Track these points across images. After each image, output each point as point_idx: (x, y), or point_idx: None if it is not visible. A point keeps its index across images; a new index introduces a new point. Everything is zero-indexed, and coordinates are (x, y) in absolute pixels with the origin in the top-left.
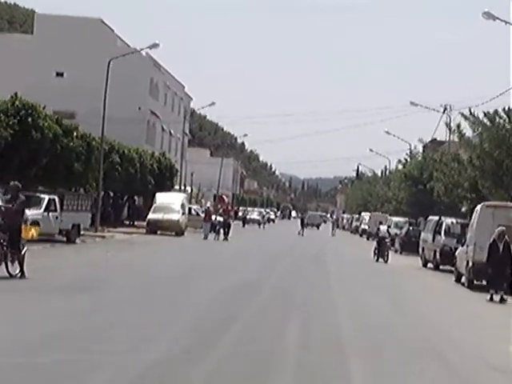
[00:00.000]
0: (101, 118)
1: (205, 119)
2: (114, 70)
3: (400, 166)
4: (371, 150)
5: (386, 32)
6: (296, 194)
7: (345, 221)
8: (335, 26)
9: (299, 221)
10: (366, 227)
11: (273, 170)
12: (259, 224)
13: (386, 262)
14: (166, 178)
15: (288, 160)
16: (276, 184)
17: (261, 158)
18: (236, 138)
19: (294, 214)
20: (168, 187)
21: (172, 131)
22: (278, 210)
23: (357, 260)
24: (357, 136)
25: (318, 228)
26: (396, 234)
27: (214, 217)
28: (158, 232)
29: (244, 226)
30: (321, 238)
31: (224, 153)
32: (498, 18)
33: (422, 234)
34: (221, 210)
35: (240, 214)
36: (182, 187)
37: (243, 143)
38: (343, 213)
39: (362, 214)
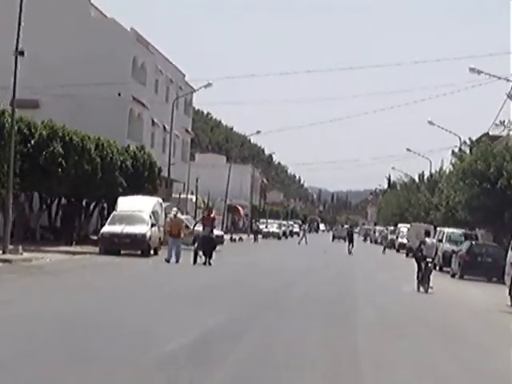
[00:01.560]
0: (69, 104)
1: (231, 131)
2: (86, 45)
3: (450, 164)
4: (408, 150)
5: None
6: (325, 206)
7: (377, 234)
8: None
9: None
10: (405, 241)
11: (301, 182)
12: (279, 238)
13: (426, 291)
14: (143, 180)
15: (316, 172)
16: (304, 197)
17: (289, 171)
18: (263, 151)
19: (322, 227)
20: (147, 191)
21: (167, 126)
22: (304, 222)
23: (394, 294)
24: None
25: (345, 241)
26: (453, 252)
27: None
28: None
29: (255, 240)
30: (347, 256)
31: (247, 161)
32: None
33: (510, 255)
34: (200, 219)
35: (261, 226)
36: (184, 195)
37: (271, 156)
38: (375, 225)
39: (399, 225)
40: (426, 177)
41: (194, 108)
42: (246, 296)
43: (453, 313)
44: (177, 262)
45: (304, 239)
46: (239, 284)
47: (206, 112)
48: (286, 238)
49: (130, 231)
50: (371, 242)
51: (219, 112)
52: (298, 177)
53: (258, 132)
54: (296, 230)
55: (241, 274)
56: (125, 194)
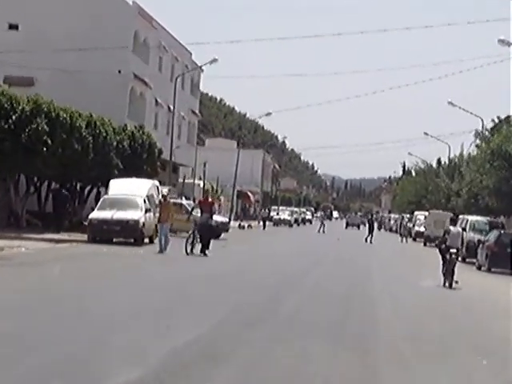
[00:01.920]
0: (67, 82)
1: (244, 118)
2: (84, 19)
3: (475, 147)
4: (426, 134)
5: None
6: (339, 193)
7: (392, 221)
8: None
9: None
10: (422, 229)
11: (314, 169)
12: (290, 225)
13: (450, 286)
14: (141, 162)
15: (329, 159)
16: (317, 184)
17: (302, 158)
18: (277, 137)
19: (336, 214)
20: (146, 174)
21: (171, 107)
22: (316, 210)
23: (417, 291)
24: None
25: (358, 228)
26: (479, 242)
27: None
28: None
29: (264, 228)
30: (363, 244)
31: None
32: None
33: None
34: (196, 202)
35: (272, 213)
36: (192, 180)
37: (284, 142)
38: (389, 212)
39: (416, 213)
40: (442, 162)
41: (206, 94)
42: (234, 303)
43: (491, 321)
44: (161, 251)
45: (322, 228)
46: (235, 280)
47: (218, 98)
48: (298, 225)
49: (121, 217)
50: (385, 229)
51: (233, 99)
52: (311, 164)
53: (269, 114)
54: (308, 217)
55: (243, 264)
56: (121, 176)
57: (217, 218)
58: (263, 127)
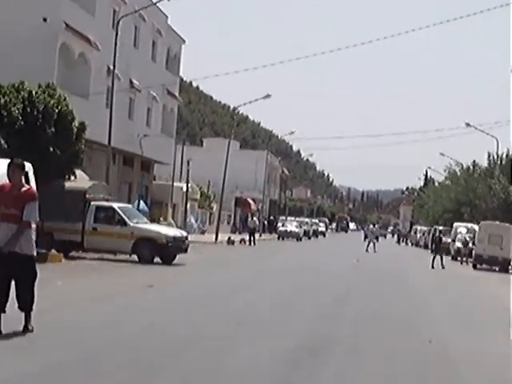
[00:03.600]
0: None
1: (259, 126)
2: None
3: None
4: (442, 155)
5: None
6: (355, 204)
7: (418, 235)
8: None
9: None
10: (471, 246)
11: (330, 180)
12: (298, 238)
13: None
14: (44, 138)
15: (347, 170)
16: (333, 194)
17: (317, 168)
18: (291, 146)
19: (352, 226)
20: (56, 159)
21: (135, 82)
22: (331, 221)
23: None
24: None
25: (377, 240)
26: None
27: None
28: None
29: (251, 243)
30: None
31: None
32: None
33: None
34: None
35: (278, 224)
36: (172, 182)
37: (299, 151)
38: (411, 224)
39: (456, 224)
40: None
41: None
42: None
43: None
44: None
45: (372, 245)
46: None
47: (231, 107)
48: (310, 238)
49: None
50: (406, 243)
51: (246, 107)
52: (326, 174)
53: (292, 133)
54: (322, 229)
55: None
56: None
57: (166, 230)
58: (278, 136)
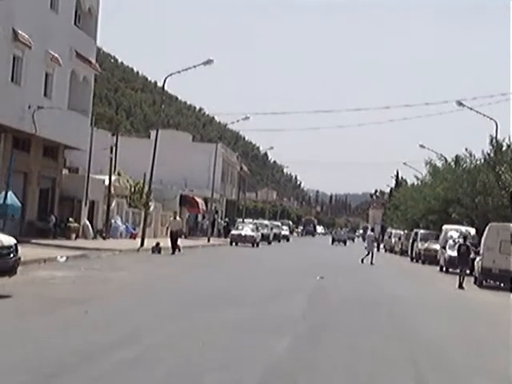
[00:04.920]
0: None
1: (225, 128)
2: None
3: None
4: (422, 146)
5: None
6: (323, 208)
7: (393, 239)
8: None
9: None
10: (454, 254)
11: (298, 183)
12: (255, 244)
13: None
14: None
15: (313, 173)
16: (300, 197)
17: (285, 171)
18: (258, 148)
19: (320, 229)
20: None
21: (23, 34)
22: (296, 223)
23: None
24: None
25: (344, 244)
26: None
27: None
28: None
29: (174, 251)
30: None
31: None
32: None
33: None
34: None
35: (233, 227)
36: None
37: (266, 154)
38: (382, 228)
39: (446, 227)
40: (492, 141)
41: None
42: None
43: None
44: None
45: (370, 255)
46: None
47: (198, 107)
48: (270, 243)
49: None
50: (378, 249)
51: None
52: (294, 176)
53: (247, 118)
54: (285, 232)
55: None
56: None
57: None
58: (244, 138)
